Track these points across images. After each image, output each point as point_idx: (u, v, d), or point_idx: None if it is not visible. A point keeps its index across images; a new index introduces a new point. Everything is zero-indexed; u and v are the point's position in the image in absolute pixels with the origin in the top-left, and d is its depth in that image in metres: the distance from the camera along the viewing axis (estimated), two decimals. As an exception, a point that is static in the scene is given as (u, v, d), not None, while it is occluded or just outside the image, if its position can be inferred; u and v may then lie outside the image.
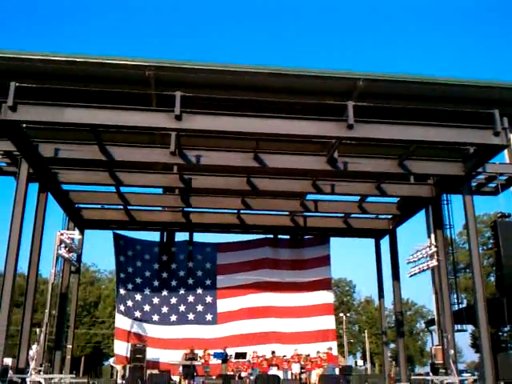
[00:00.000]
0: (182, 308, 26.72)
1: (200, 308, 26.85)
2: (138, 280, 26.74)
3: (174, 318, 26.50)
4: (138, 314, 26.18)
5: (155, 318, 26.33)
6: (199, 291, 27.11)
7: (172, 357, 23.55)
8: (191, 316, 26.65)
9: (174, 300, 26.79)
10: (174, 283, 27.04)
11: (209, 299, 27.07)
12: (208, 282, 27.28)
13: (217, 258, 27.72)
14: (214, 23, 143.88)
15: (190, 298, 26.93)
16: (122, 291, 26.49)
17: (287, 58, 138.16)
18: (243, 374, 23.32)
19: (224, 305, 27.06)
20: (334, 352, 26.26)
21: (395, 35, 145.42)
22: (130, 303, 26.29)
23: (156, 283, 26.88)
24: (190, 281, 27.18)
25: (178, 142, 17.67)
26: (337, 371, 23.98)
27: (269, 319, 27.04)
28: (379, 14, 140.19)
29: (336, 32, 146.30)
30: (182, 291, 26.99)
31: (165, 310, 26.56)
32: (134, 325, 25.91)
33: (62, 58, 16.03)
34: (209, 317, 26.78)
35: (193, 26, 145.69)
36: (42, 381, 17.26)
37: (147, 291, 26.68)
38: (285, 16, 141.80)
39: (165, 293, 26.82)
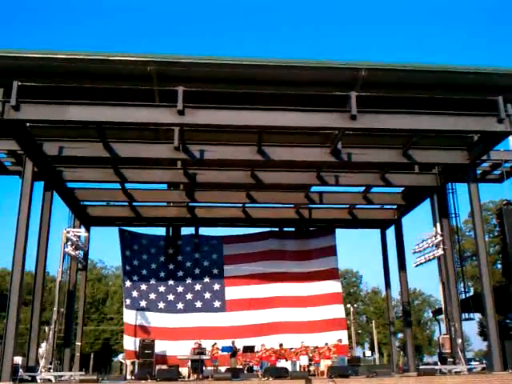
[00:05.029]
0: (189, 296, 26.55)
1: (208, 295, 26.72)
2: (144, 271, 26.64)
3: (180, 305, 26.32)
4: (143, 303, 26.01)
5: (161, 305, 26.13)
6: (206, 280, 27.00)
7: (180, 350, 23.44)
8: (199, 304, 26.47)
9: (180, 289, 26.62)
10: (180, 273, 26.95)
11: (216, 287, 26.94)
12: (215, 271, 27.24)
13: (223, 249, 27.73)
14: (213, 18, 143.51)
15: (198, 287, 26.75)
16: (127, 283, 26.35)
17: (288, 50, 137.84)
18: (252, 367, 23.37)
19: (232, 292, 26.96)
20: (345, 341, 26.34)
21: (397, 25, 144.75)
22: (135, 294, 26.10)
23: (162, 274, 26.78)
24: (197, 270, 27.12)
25: (182, 137, 17.69)
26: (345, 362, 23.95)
27: (276, 309, 27.02)
28: (380, 4, 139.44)
29: (337, 23, 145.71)
30: (188, 280, 26.84)
31: (171, 297, 26.36)
32: (140, 316, 25.76)
33: (62, 56, 15.99)
34: (217, 304, 26.64)
35: (191, 21, 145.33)
36: (52, 378, 17.36)
37: (153, 281, 26.50)
38: (285, 8, 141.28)
39: (171, 282, 26.65)
